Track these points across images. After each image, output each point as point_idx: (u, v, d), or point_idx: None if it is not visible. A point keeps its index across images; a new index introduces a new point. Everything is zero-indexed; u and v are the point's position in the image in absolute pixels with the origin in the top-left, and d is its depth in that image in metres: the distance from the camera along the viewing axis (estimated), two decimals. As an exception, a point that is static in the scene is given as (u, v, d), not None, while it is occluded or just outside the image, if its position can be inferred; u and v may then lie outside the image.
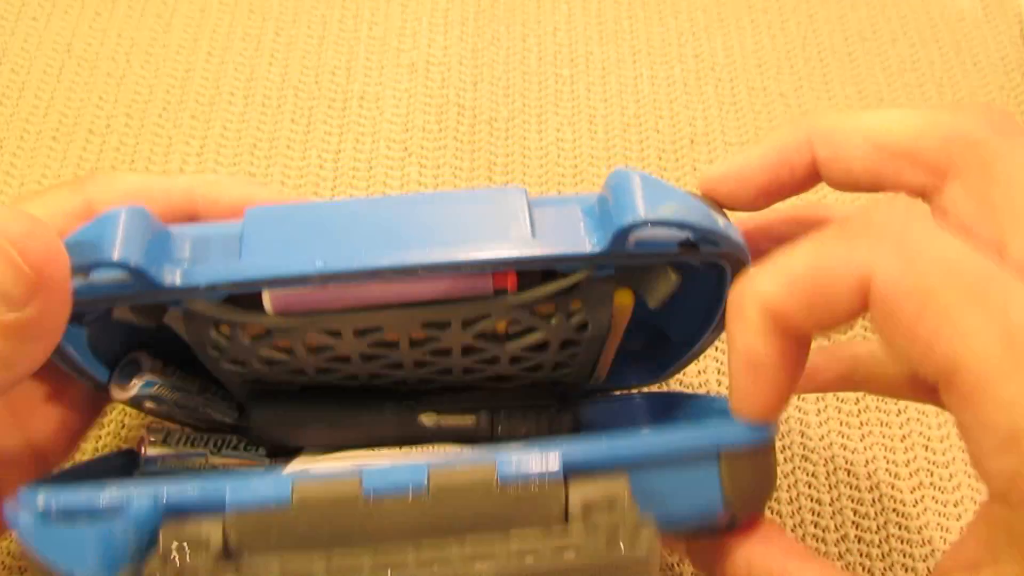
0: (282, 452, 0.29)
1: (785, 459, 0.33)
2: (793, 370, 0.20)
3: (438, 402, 0.28)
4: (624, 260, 0.22)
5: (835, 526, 0.32)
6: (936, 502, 0.33)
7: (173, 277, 0.21)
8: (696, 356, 0.29)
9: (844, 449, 0.34)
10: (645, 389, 0.32)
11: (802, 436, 0.35)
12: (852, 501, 0.32)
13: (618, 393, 0.32)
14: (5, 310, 0.19)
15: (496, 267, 0.22)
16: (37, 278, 0.19)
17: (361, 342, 0.23)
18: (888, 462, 0.34)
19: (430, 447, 0.27)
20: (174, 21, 0.46)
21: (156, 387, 0.26)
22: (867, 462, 0.34)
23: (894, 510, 0.32)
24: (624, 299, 0.24)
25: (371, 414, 0.28)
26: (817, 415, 0.35)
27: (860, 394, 0.35)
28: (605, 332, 0.25)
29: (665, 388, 0.36)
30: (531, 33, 0.47)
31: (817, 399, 0.35)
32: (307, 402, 0.28)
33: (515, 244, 0.21)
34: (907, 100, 0.45)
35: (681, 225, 0.21)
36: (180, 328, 0.23)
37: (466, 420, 0.28)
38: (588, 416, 0.32)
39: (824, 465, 0.33)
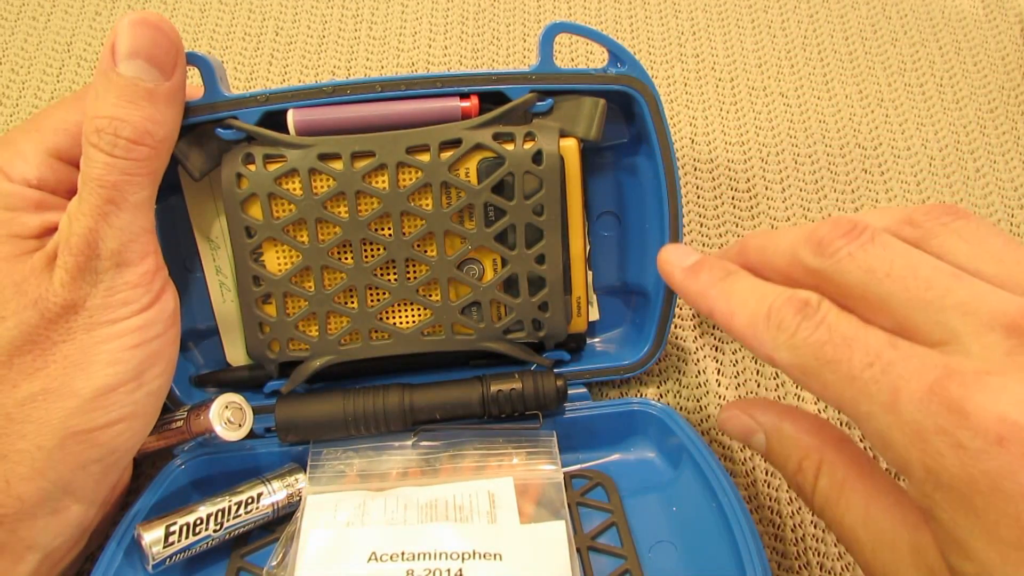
0: (302, 442, 0.31)
1: (785, 459, 0.33)
2: None
3: (435, 388, 0.31)
4: (554, 81, 0.29)
5: (835, 526, 0.32)
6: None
7: (228, 91, 0.28)
8: (669, 306, 0.32)
9: (844, 449, 0.34)
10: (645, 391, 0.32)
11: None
12: (852, 501, 0.32)
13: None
14: (163, 80, 0.25)
15: (459, 87, 0.28)
16: (178, 50, 0.25)
17: (357, 176, 0.28)
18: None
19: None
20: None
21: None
22: (867, 462, 0.34)
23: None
24: (569, 143, 0.30)
25: (378, 397, 0.31)
26: (817, 415, 0.35)
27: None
28: (559, 170, 0.29)
29: (662, 400, 0.36)
30: (531, 33, 0.47)
31: (817, 400, 0.35)
32: (322, 395, 0.31)
33: (471, 73, 0.29)
34: (907, 100, 0.45)
35: (587, 34, 0.29)
36: (215, 167, 0.29)
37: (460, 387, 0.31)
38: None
39: (824, 465, 0.33)
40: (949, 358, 0.19)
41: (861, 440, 0.33)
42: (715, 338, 0.37)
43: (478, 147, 0.29)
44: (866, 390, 0.20)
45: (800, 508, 0.32)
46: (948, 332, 0.20)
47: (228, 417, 0.29)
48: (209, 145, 0.29)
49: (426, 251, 0.30)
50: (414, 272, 0.30)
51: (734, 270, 0.26)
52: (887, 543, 0.22)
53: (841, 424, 0.34)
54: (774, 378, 0.35)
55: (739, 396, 0.35)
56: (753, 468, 0.33)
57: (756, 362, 0.36)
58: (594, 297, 0.34)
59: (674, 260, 0.28)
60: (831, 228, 0.23)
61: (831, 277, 0.22)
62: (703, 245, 0.39)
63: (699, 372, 0.36)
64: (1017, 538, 0.18)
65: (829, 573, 0.31)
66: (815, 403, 0.35)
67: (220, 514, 0.29)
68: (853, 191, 0.42)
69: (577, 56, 0.46)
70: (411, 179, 0.29)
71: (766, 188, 0.41)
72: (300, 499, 0.30)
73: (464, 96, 0.29)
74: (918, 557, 0.21)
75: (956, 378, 0.19)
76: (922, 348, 0.20)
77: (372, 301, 0.30)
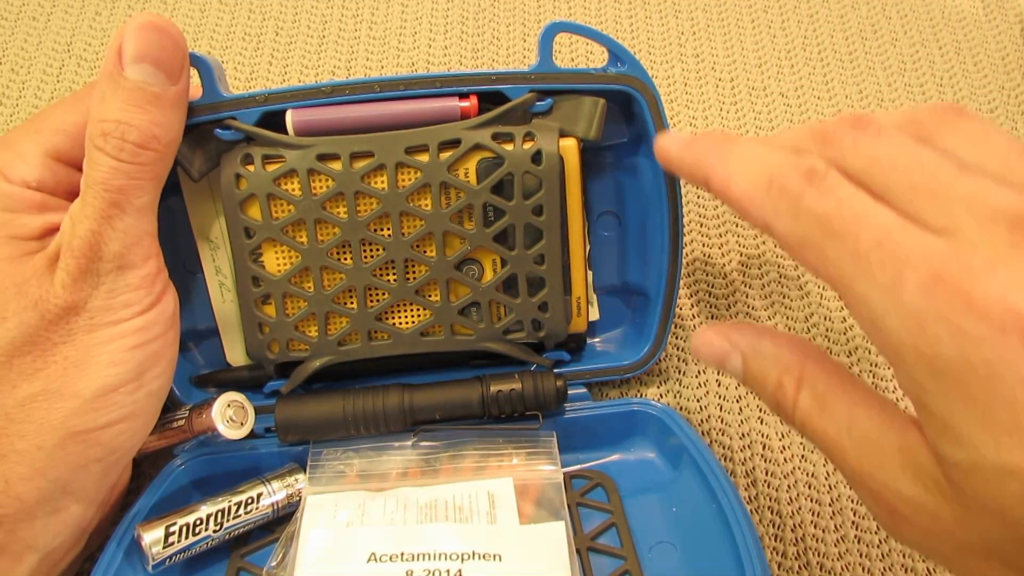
0: (302, 441, 0.32)
1: (785, 459, 0.33)
2: None
3: (435, 389, 0.32)
4: (554, 80, 0.29)
5: (835, 526, 0.32)
6: (936, 502, 0.33)
7: (227, 91, 0.28)
8: (668, 306, 0.32)
9: (844, 449, 0.34)
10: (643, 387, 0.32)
11: (802, 436, 0.34)
12: (852, 501, 0.32)
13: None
14: (169, 84, 0.25)
15: (458, 87, 0.29)
16: (184, 54, 0.26)
17: (356, 176, 0.28)
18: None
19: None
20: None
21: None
22: (867, 462, 0.34)
23: (894, 510, 0.32)
24: (568, 143, 0.30)
25: (378, 397, 0.31)
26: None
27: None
28: (558, 170, 0.29)
29: (662, 402, 0.36)
30: (531, 33, 0.47)
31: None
32: (322, 396, 0.31)
33: (471, 72, 0.29)
34: (907, 100, 0.45)
35: (587, 34, 0.29)
36: (214, 168, 0.29)
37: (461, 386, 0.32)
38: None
39: (824, 465, 0.33)
40: (956, 246, 0.19)
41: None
42: (715, 338, 0.37)
43: (477, 147, 0.29)
44: (869, 270, 0.20)
45: (800, 508, 0.32)
46: (953, 222, 0.20)
47: (230, 415, 0.29)
48: (208, 146, 0.29)
49: (425, 251, 0.30)
50: (413, 272, 0.30)
51: (736, 136, 0.24)
52: (873, 446, 0.21)
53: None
54: (774, 378, 0.35)
55: (740, 396, 0.35)
56: (753, 468, 0.33)
57: (756, 362, 0.36)
58: (594, 297, 0.34)
59: (670, 140, 0.26)
60: (837, 121, 0.23)
61: (836, 166, 0.22)
62: (703, 245, 0.39)
63: (699, 372, 0.36)
64: (1012, 422, 0.18)
65: (829, 573, 0.31)
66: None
67: (220, 514, 0.29)
68: (853, 191, 0.42)
69: (577, 56, 0.46)
70: (410, 179, 0.29)
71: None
72: (300, 499, 0.30)
73: (463, 96, 0.29)
74: (905, 456, 0.21)
75: (963, 266, 0.19)
76: (931, 234, 0.20)
77: (372, 301, 0.31)
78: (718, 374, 0.36)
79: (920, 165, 0.21)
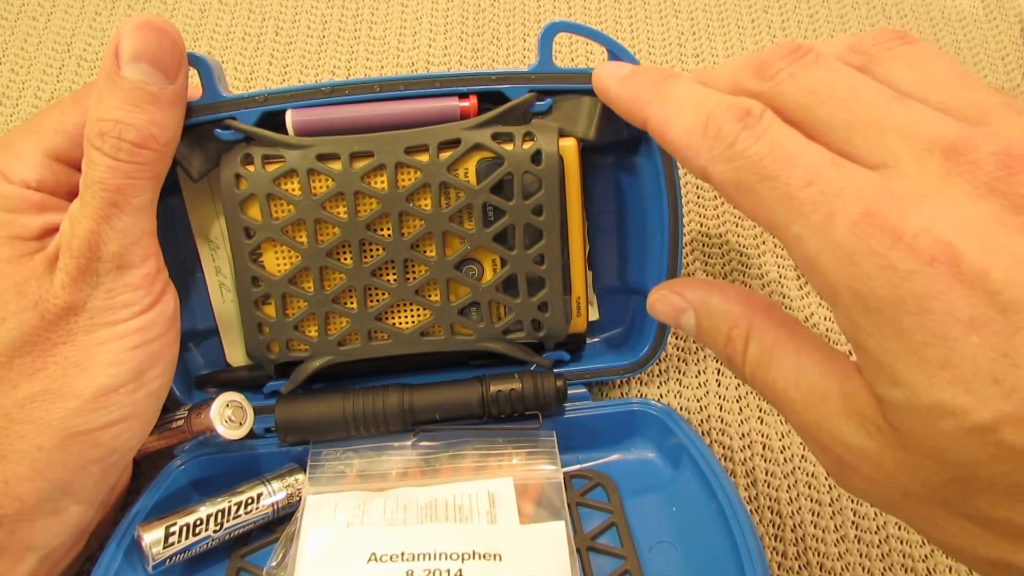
0: (302, 441, 0.32)
1: (785, 459, 0.33)
2: None
3: (435, 389, 0.32)
4: (554, 80, 0.29)
5: (835, 526, 0.32)
6: (936, 502, 0.33)
7: (227, 91, 0.28)
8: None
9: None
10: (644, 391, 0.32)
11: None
12: (852, 501, 0.32)
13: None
14: (167, 83, 0.25)
15: (458, 87, 0.29)
16: (182, 54, 0.25)
17: (356, 176, 0.28)
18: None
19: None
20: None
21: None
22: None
23: (894, 510, 0.32)
24: (568, 143, 0.30)
25: (377, 397, 0.31)
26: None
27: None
28: (558, 170, 0.29)
29: (662, 402, 0.36)
30: (531, 33, 0.47)
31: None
32: (322, 396, 0.31)
33: (470, 72, 0.29)
34: (907, 100, 0.45)
35: (587, 33, 0.29)
36: (215, 168, 0.29)
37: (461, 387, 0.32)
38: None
39: (824, 465, 0.33)
40: (888, 180, 0.19)
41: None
42: (715, 338, 0.37)
43: (477, 147, 0.29)
44: (801, 210, 0.19)
45: (800, 508, 0.32)
46: (888, 154, 0.19)
47: (229, 416, 0.29)
48: (208, 146, 0.29)
49: (425, 251, 0.30)
50: (413, 272, 0.30)
51: (673, 73, 0.24)
52: (817, 395, 0.21)
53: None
54: (774, 378, 0.35)
55: (740, 396, 0.35)
56: (753, 468, 0.33)
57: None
58: (594, 297, 0.34)
59: (608, 70, 0.26)
60: (774, 50, 0.22)
61: (772, 100, 0.21)
62: (703, 245, 0.39)
63: (699, 372, 0.36)
64: (943, 357, 0.17)
65: (829, 573, 0.31)
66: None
67: (220, 514, 0.29)
68: (853, 191, 0.41)
69: (577, 56, 0.46)
70: (410, 179, 0.29)
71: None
72: (300, 499, 0.30)
73: (463, 96, 0.29)
74: (848, 403, 0.20)
75: (893, 199, 0.18)
76: (863, 170, 0.19)
77: (371, 301, 0.31)
78: (718, 374, 0.36)
79: (856, 95, 0.20)
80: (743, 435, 0.34)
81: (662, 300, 0.26)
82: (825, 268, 0.19)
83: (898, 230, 0.18)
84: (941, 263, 0.17)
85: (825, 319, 0.37)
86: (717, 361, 0.36)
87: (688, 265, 0.39)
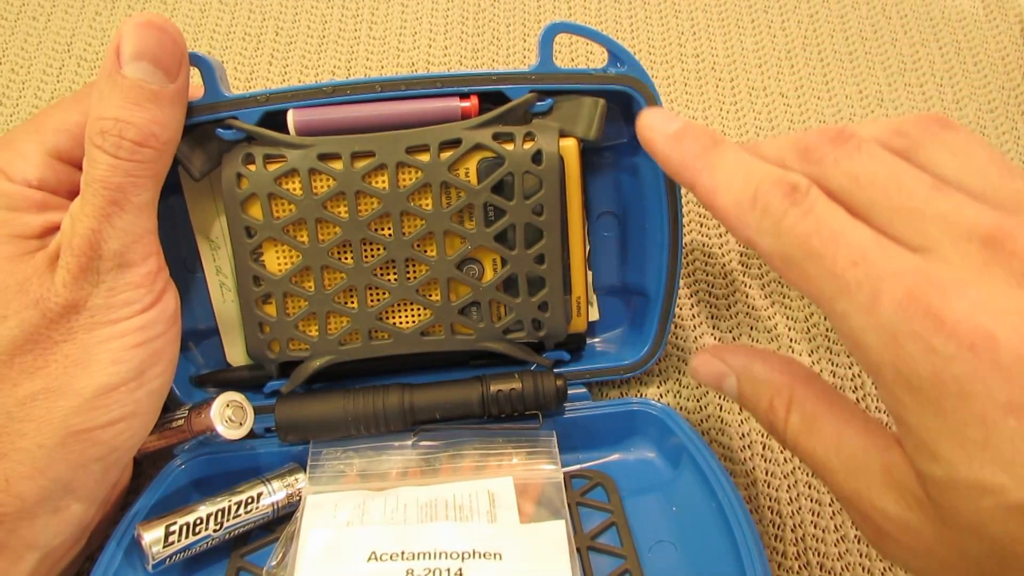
0: (302, 441, 0.32)
1: (785, 459, 0.33)
2: None
3: (435, 388, 0.32)
4: (554, 81, 0.29)
5: (835, 526, 0.32)
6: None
7: (228, 91, 0.28)
8: (669, 303, 0.32)
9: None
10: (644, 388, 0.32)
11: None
12: (852, 501, 0.32)
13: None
14: (167, 82, 0.25)
15: (459, 87, 0.29)
16: (182, 52, 0.25)
17: (357, 176, 0.28)
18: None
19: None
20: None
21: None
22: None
23: (894, 510, 0.32)
24: (568, 143, 0.30)
25: (378, 397, 0.31)
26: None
27: (861, 395, 0.35)
28: (558, 170, 0.29)
29: (661, 401, 0.36)
30: (531, 33, 0.47)
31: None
32: (322, 395, 0.31)
33: (471, 73, 0.29)
34: (907, 100, 0.45)
35: (587, 34, 0.29)
36: (216, 168, 0.29)
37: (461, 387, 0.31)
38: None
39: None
40: (929, 264, 0.20)
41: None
42: (715, 338, 0.37)
43: (478, 147, 0.29)
44: (847, 289, 0.20)
45: (800, 508, 0.32)
46: (929, 239, 0.20)
47: (229, 415, 0.29)
48: (209, 145, 0.29)
49: (426, 251, 0.30)
50: (414, 272, 0.30)
51: (722, 140, 0.25)
52: (859, 466, 0.22)
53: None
54: (774, 378, 0.35)
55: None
56: (753, 468, 0.33)
57: (756, 362, 0.36)
58: (594, 297, 0.34)
59: (656, 125, 0.26)
60: (818, 135, 0.23)
61: (816, 180, 0.22)
62: (703, 245, 0.39)
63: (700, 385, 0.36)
64: (983, 438, 0.18)
65: (829, 573, 0.31)
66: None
67: (220, 514, 0.29)
68: (853, 191, 0.41)
69: (577, 56, 0.46)
70: (411, 179, 0.29)
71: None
72: (300, 499, 0.30)
73: (464, 96, 0.29)
74: (889, 476, 0.21)
75: (935, 285, 0.19)
76: (906, 251, 0.20)
77: (372, 301, 0.31)
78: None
79: (897, 182, 0.21)
80: (743, 435, 0.34)
81: (705, 364, 0.26)
82: (870, 346, 0.20)
83: (941, 315, 0.19)
84: (981, 349, 0.18)
85: (824, 319, 0.37)
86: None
87: (688, 265, 0.39)
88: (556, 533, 0.28)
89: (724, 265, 0.39)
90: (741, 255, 0.39)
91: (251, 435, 0.30)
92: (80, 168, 0.25)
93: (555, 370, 0.33)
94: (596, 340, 0.35)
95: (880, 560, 0.31)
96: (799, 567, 0.31)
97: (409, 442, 0.31)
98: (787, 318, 0.37)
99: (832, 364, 0.36)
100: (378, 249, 0.30)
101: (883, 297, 0.19)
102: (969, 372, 0.18)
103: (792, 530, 0.32)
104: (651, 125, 0.26)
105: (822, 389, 0.24)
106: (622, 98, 0.30)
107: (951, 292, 0.19)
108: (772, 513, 0.32)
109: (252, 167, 0.28)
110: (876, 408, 0.35)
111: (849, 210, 0.21)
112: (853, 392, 0.35)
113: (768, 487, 0.33)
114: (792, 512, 0.32)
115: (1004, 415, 0.18)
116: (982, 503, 0.18)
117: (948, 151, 0.22)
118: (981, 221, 0.20)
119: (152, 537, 0.27)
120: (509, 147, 0.29)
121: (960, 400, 0.18)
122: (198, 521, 0.28)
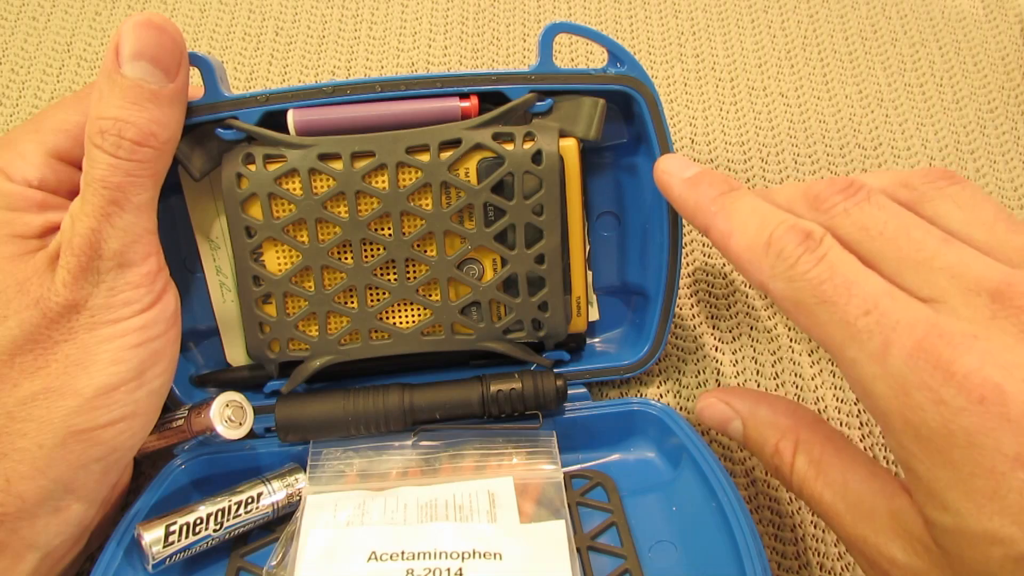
0: (302, 441, 0.31)
1: (785, 459, 0.33)
2: None
3: (435, 388, 0.31)
4: (554, 81, 0.29)
5: (835, 526, 0.32)
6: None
7: (228, 91, 0.28)
8: (668, 306, 0.32)
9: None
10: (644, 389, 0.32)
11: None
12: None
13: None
14: (167, 81, 0.25)
15: (459, 87, 0.29)
16: (182, 52, 0.25)
17: (357, 176, 0.28)
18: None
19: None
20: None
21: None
22: (867, 462, 0.34)
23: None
24: (568, 143, 0.30)
25: (378, 397, 0.31)
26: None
27: (862, 406, 0.35)
28: (558, 170, 0.29)
29: (660, 402, 0.36)
30: (531, 33, 0.47)
31: (816, 400, 0.35)
32: (322, 395, 0.31)
33: (471, 73, 0.29)
34: (907, 100, 0.45)
35: (587, 34, 0.29)
36: (216, 168, 0.29)
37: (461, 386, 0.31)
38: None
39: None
40: (939, 316, 0.20)
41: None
42: (715, 338, 0.37)
43: (478, 147, 0.29)
44: (858, 337, 0.20)
45: (800, 508, 0.32)
46: (937, 291, 0.20)
47: (229, 415, 0.29)
48: (209, 145, 0.29)
49: (426, 251, 0.30)
50: (414, 272, 0.30)
51: (737, 186, 0.25)
52: (866, 512, 0.22)
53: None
54: (774, 378, 0.35)
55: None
56: (753, 468, 0.33)
57: (756, 361, 0.36)
58: (594, 297, 0.34)
59: (673, 170, 0.27)
60: (828, 185, 0.23)
61: (826, 229, 0.23)
62: (703, 245, 0.39)
63: (699, 372, 0.36)
64: (991, 489, 0.18)
65: (829, 573, 0.31)
66: (816, 408, 0.35)
67: (220, 514, 0.29)
68: (853, 191, 0.42)
69: (577, 56, 0.46)
70: (411, 179, 0.29)
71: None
72: (300, 499, 0.30)
73: (464, 96, 0.29)
74: (896, 521, 0.21)
75: (945, 337, 0.19)
76: (916, 303, 0.20)
77: (372, 301, 0.31)
78: (718, 374, 0.36)
79: (907, 234, 0.22)
80: (743, 435, 0.34)
81: (710, 408, 0.27)
82: (879, 394, 0.20)
83: (950, 368, 0.19)
84: (991, 403, 0.18)
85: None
86: (717, 361, 0.36)
87: (688, 265, 0.39)
88: (556, 533, 0.28)
89: (724, 265, 0.39)
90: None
91: (251, 435, 0.30)
92: (80, 168, 0.25)
93: (555, 370, 0.33)
94: (596, 340, 0.35)
95: (880, 560, 0.31)
96: (799, 567, 0.31)
97: (409, 442, 0.31)
98: (787, 318, 0.37)
99: (832, 364, 0.36)
100: (378, 249, 0.30)
101: (893, 347, 0.20)
102: (978, 424, 0.18)
103: (792, 530, 0.32)
104: (668, 170, 0.27)
105: (828, 434, 0.24)
106: (622, 98, 0.30)
107: (960, 345, 0.19)
108: (772, 513, 0.32)
109: (252, 167, 0.28)
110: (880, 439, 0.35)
111: (860, 255, 0.22)
112: (855, 403, 0.35)
113: (768, 487, 0.33)
114: (792, 512, 0.32)
115: (1013, 467, 0.18)
116: (991, 553, 0.18)
117: (955, 204, 0.23)
118: (989, 275, 0.20)
119: (152, 537, 0.27)
120: (509, 147, 0.29)
121: (969, 452, 0.18)
122: (198, 521, 0.28)
